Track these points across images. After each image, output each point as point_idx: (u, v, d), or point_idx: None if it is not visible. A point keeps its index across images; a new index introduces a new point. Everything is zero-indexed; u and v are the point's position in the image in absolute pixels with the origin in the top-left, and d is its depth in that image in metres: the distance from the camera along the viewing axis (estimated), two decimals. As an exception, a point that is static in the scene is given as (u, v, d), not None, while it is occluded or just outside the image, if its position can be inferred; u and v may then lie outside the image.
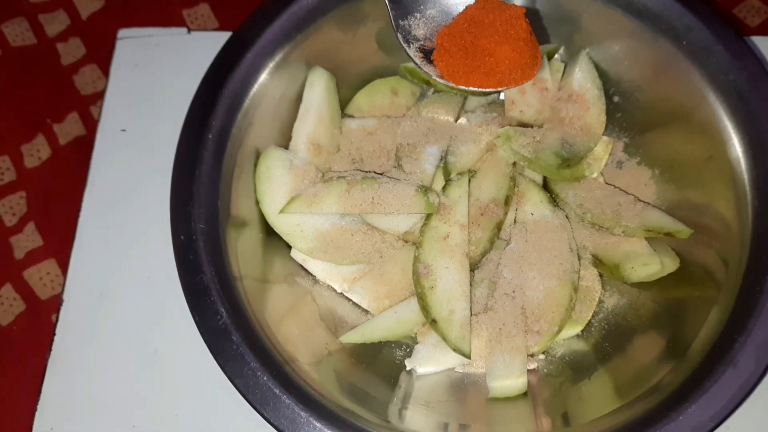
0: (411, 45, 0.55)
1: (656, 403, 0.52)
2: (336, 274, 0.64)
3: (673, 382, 0.54)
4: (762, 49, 0.75)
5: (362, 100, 0.71)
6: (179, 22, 0.84)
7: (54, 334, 0.65)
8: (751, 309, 0.53)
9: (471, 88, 0.55)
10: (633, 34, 0.65)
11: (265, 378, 0.52)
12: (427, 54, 0.56)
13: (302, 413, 0.51)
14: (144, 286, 0.66)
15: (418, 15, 0.56)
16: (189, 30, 0.78)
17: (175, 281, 0.56)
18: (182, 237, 0.56)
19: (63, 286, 0.67)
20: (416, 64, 0.55)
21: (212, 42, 0.67)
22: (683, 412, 0.50)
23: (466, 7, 0.56)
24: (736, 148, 0.59)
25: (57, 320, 0.65)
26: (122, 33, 0.78)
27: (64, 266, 0.69)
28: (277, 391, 0.51)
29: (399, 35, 0.55)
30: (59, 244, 0.73)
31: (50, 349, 0.64)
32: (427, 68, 0.55)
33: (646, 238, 0.62)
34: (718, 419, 0.50)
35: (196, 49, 0.75)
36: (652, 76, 0.66)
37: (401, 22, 0.56)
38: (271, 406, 0.51)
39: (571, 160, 0.63)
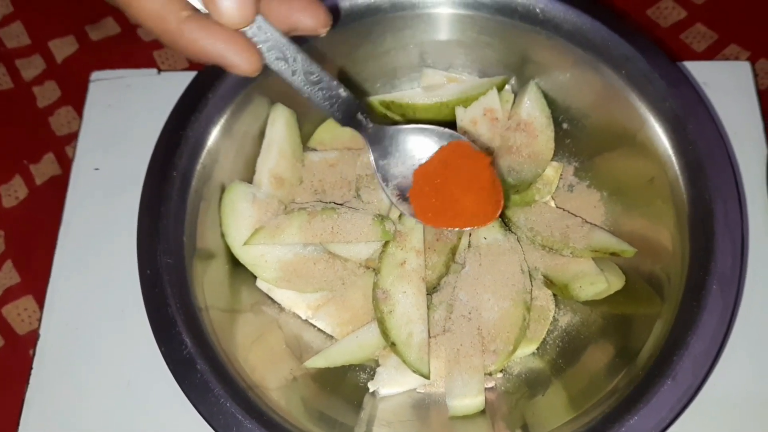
0: (389, 183, 0.58)
1: (603, 415, 0.55)
2: (300, 301, 0.67)
3: (620, 395, 0.56)
4: (707, 73, 0.78)
5: (324, 133, 0.74)
6: (150, 63, 0.87)
7: (31, 368, 0.67)
8: (690, 324, 0.55)
9: (441, 227, 0.58)
10: (578, 63, 0.68)
11: (228, 404, 0.54)
12: (403, 191, 0.58)
13: (264, 437, 0.53)
14: (117, 320, 0.69)
15: (397, 154, 0.58)
16: (159, 71, 0.81)
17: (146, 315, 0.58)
18: (148, 271, 0.59)
19: (39, 321, 0.69)
20: (393, 203, 0.58)
21: (182, 81, 0.69)
22: (626, 424, 0.53)
23: (440, 148, 0.58)
24: (675, 169, 0.62)
25: (34, 354, 0.68)
26: (95, 75, 0.81)
27: (41, 302, 0.71)
28: (239, 416, 0.54)
29: (378, 174, 0.58)
30: (36, 281, 0.75)
31: (28, 383, 0.67)
32: (402, 207, 0.58)
33: (593, 258, 0.65)
34: (658, 429, 0.53)
35: (166, 88, 0.78)
36: (597, 103, 0.69)
37: (381, 162, 0.58)
38: (234, 431, 0.54)
39: (518, 186, 0.66)
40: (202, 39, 0.45)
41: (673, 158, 0.63)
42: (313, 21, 0.50)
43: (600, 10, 0.67)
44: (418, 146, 0.57)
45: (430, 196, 0.57)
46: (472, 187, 0.57)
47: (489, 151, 0.61)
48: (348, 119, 0.55)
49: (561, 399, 0.62)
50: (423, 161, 0.58)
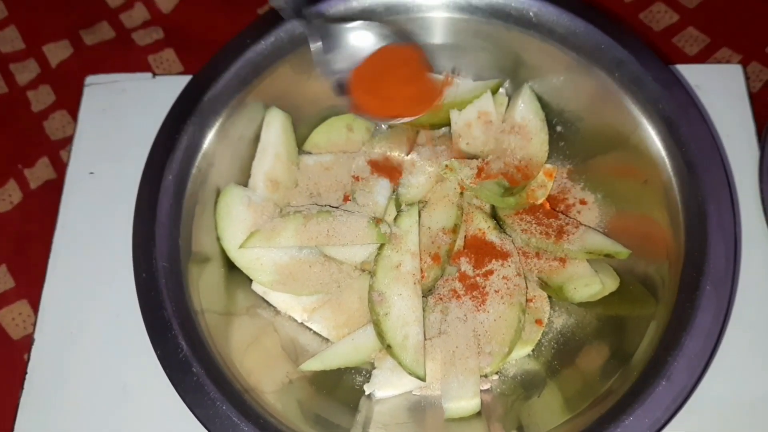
0: (332, 77, 0.63)
1: (598, 416, 0.55)
2: (296, 304, 0.67)
3: (615, 396, 0.56)
4: (700, 76, 0.79)
5: (319, 136, 0.74)
6: (145, 68, 0.87)
7: (26, 373, 0.67)
8: (684, 325, 0.56)
9: (378, 119, 0.63)
10: (571, 67, 0.69)
11: (224, 407, 0.54)
12: (343, 86, 0.63)
13: (261, 440, 0.53)
14: (112, 324, 0.69)
15: (339, 50, 0.62)
16: (154, 75, 0.81)
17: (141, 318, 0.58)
18: (144, 275, 0.59)
19: (34, 325, 0.69)
20: (335, 94, 0.63)
21: (177, 86, 0.69)
22: (621, 424, 0.53)
23: (372, 54, 0.63)
24: (668, 171, 0.63)
25: (29, 359, 0.68)
26: (90, 79, 0.81)
27: (35, 307, 0.71)
28: (235, 419, 0.54)
29: (320, 68, 0.62)
30: (31, 286, 0.75)
31: (22, 388, 0.66)
32: (342, 99, 0.63)
33: (588, 260, 0.65)
34: (654, 429, 0.53)
35: (161, 92, 0.78)
36: (591, 106, 0.70)
37: (324, 57, 0.62)
38: (230, 434, 0.54)
39: (513, 188, 0.66)
40: None
41: (667, 160, 0.63)
42: None
43: (593, 14, 0.67)
44: (362, 43, 0.62)
45: (367, 93, 0.62)
46: (407, 80, 0.62)
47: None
48: (295, 12, 0.58)
49: (557, 400, 0.62)
50: (362, 59, 0.62)
